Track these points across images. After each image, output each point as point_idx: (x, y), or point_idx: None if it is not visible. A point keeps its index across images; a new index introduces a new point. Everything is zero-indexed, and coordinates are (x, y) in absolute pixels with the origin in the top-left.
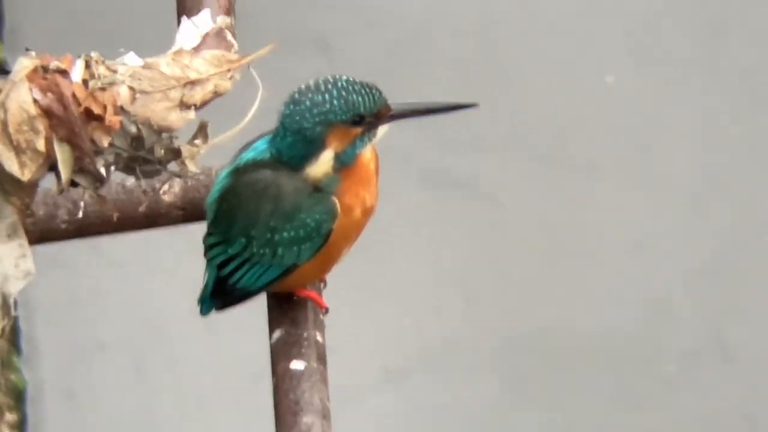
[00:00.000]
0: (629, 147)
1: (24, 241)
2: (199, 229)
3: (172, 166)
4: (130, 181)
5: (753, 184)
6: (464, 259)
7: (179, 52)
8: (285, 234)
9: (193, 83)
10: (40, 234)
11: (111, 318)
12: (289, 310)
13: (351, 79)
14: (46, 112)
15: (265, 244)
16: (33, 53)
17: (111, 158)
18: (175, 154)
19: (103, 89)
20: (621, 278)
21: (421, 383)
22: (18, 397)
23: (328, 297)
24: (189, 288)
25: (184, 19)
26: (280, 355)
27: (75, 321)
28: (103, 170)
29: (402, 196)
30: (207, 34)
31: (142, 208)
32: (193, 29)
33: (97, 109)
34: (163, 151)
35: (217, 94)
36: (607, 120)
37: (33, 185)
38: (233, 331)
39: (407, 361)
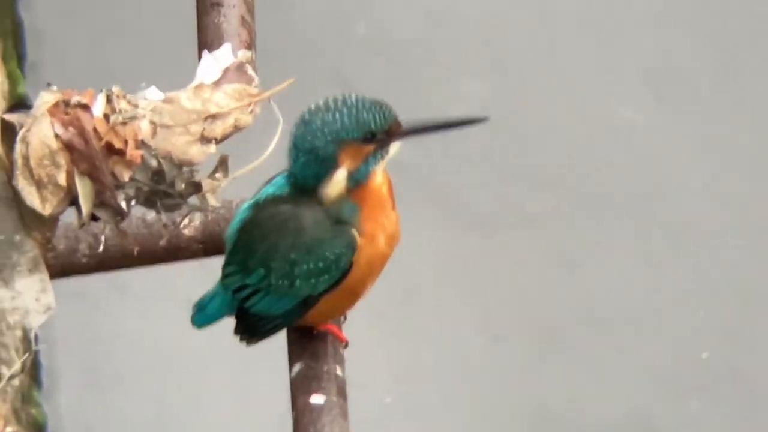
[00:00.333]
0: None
1: (45, 275)
2: (219, 262)
3: (193, 200)
4: (151, 215)
5: None
6: (486, 294)
7: (200, 86)
8: (305, 266)
9: (213, 117)
10: (61, 268)
11: (131, 352)
12: (309, 343)
13: (361, 97)
14: (68, 147)
15: (284, 275)
16: (54, 88)
17: (132, 192)
18: (196, 188)
19: (124, 123)
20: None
21: (440, 419)
22: (38, 431)
23: (347, 330)
24: None
25: (205, 53)
26: (300, 389)
27: (95, 355)
28: (123, 204)
29: (423, 229)
30: (228, 68)
31: (162, 242)
32: (213, 63)
33: (118, 144)
34: (183, 185)
35: (237, 128)
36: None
37: (54, 219)
38: (253, 365)
39: (427, 397)
